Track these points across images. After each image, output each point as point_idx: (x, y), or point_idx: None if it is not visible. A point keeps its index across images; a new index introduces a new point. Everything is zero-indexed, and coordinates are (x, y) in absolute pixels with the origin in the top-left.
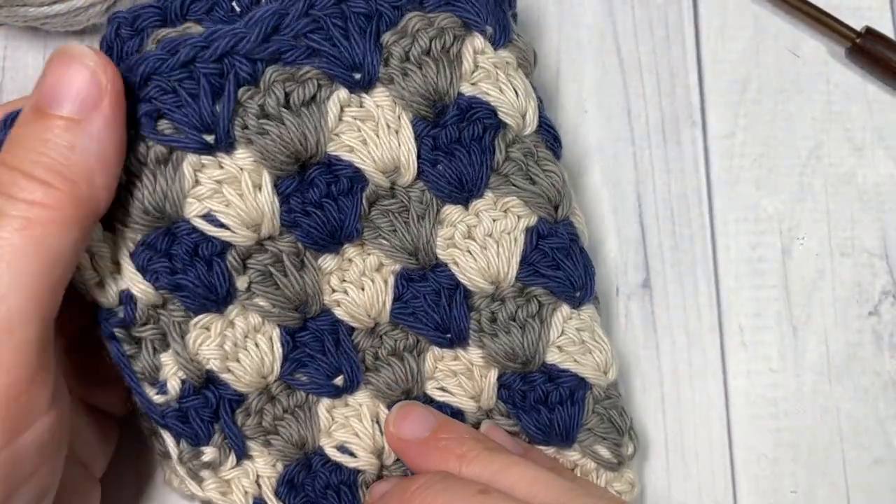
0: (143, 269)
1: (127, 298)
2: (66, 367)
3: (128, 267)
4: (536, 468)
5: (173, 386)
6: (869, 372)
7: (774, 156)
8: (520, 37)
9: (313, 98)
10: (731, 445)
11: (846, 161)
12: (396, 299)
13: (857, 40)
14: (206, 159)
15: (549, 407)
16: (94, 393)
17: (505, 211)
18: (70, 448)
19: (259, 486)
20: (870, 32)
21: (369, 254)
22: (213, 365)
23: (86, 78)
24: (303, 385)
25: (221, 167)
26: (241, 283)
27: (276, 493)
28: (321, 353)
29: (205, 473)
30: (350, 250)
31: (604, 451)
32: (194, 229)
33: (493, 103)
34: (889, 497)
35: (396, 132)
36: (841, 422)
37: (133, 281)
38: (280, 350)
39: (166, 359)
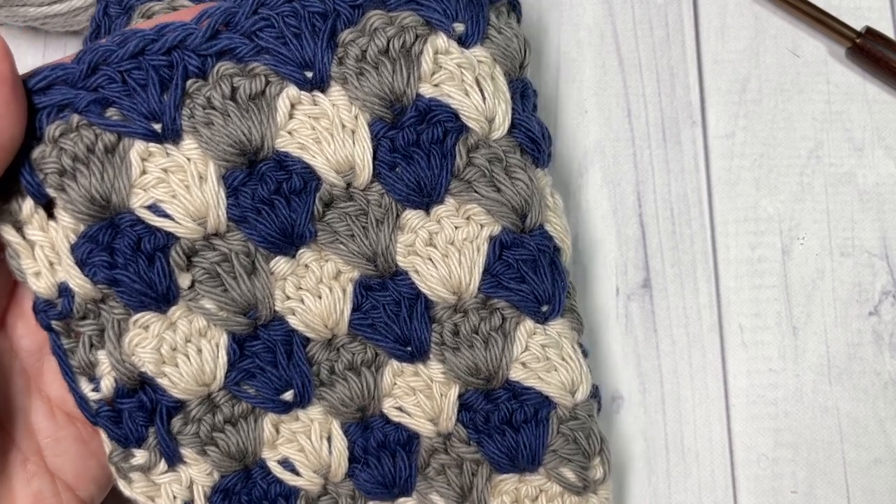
0: (82, 263)
1: (65, 291)
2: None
3: (66, 259)
4: None
5: (107, 385)
6: (869, 372)
7: (774, 156)
8: (502, 31)
9: (262, 93)
10: (731, 445)
11: (846, 161)
12: (355, 309)
13: (858, 40)
14: (153, 147)
15: (514, 427)
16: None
17: (467, 218)
18: None
19: (192, 491)
20: (870, 32)
21: (327, 260)
22: (148, 368)
23: None
24: (249, 398)
25: (168, 155)
26: (183, 280)
27: (209, 501)
28: (272, 364)
29: (134, 475)
30: (307, 256)
31: (569, 474)
32: (138, 221)
33: (454, 106)
34: (889, 497)
35: (353, 132)
36: (841, 422)
37: (71, 274)
38: (225, 358)
39: (102, 356)
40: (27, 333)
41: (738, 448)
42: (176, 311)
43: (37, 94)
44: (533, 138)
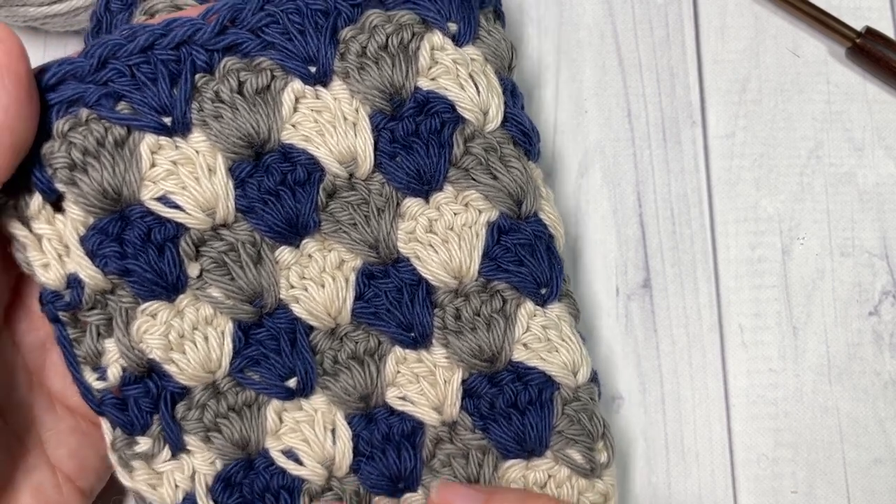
0: (92, 254)
1: (74, 282)
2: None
3: (76, 251)
4: None
5: (113, 373)
6: (869, 372)
7: (774, 156)
8: (492, 33)
9: (267, 87)
10: (731, 445)
11: (846, 161)
12: (358, 298)
13: (858, 40)
14: (163, 140)
15: (519, 410)
16: None
17: (466, 205)
18: None
19: (193, 481)
20: (870, 32)
21: (330, 250)
22: (156, 354)
23: None
24: (253, 384)
25: (177, 148)
26: (192, 269)
27: (211, 491)
28: (276, 352)
29: (136, 463)
30: (310, 245)
31: (576, 456)
32: (148, 212)
33: (450, 98)
34: (889, 497)
35: (354, 124)
36: (841, 422)
37: (81, 265)
38: (230, 345)
39: (110, 345)
40: (30, 329)
41: (738, 448)
42: (183, 300)
43: (47, 90)
44: (524, 131)
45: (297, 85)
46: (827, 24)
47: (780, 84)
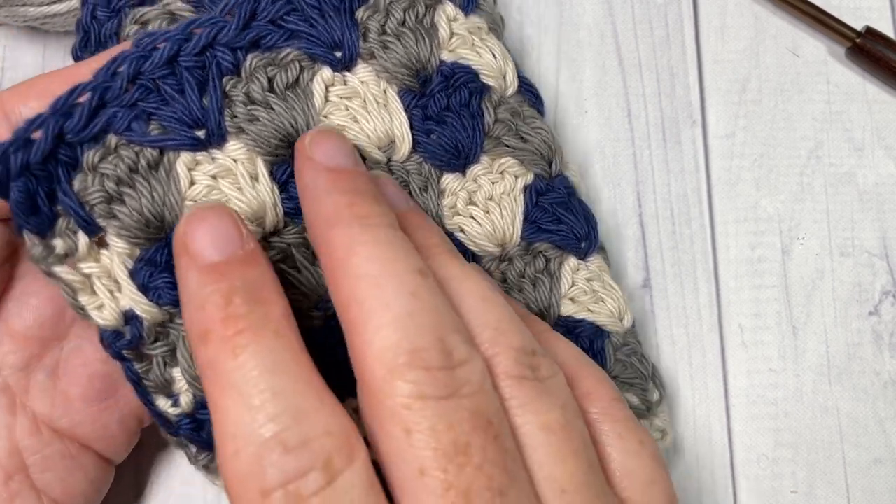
0: (144, 288)
1: (132, 318)
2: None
3: (128, 286)
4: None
5: (186, 401)
6: (869, 372)
7: (774, 156)
8: (486, 2)
9: (297, 81)
10: (731, 445)
11: (846, 161)
12: None
13: (858, 40)
14: (199, 156)
15: None
16: (90, 439)
17: (501, 173)
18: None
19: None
20: (870, 32)
21: None
22: None
23: None
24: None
25: (214, 160)
26: None
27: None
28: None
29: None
30: None
31: (632, 398)
32: None
33: (474, 67)
34: (889, 497)
35: (385, 106)
36: (841, 422)
37: (136, 301)
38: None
39: (177, 373)
40: (14, 349)
41: (737, 448)
42: None
43: (75, 126)
44: (534, 91)
45: (325, 73)
46: (827, 23)
47: (779, 84)
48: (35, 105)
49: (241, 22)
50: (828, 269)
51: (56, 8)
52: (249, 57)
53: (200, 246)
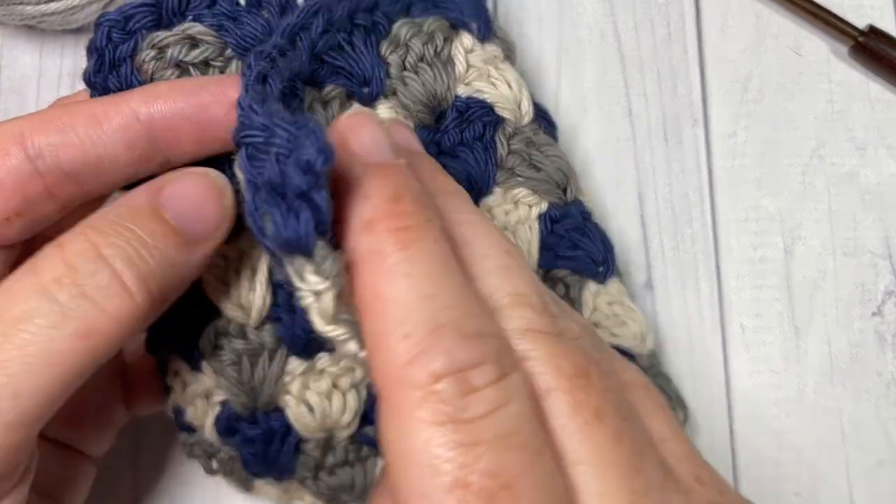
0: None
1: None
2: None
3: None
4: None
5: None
6: (871, 373)
7: (776, 155)
8: (499, 27)
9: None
10: (732, 447)
11: (848, 160)
12: None
13: (860, 39)
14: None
15: None
16: (70, 435)
17: (515, 203)
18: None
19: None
20: (872, 31)
21: None
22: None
23: (217, 208)
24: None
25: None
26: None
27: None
28: None
29: None
30: None
31: None
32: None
33: (489, 100)
34: (892, 499)
35: None
36: (843, 423)
37: None
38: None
39: None
40: None
41: (739, 449)
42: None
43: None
44: (548, 118)
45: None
46: (829, 22)
47: (781, 83)
48: (56, 140)
49: (307, 54)
50: (830, 269)
51: (52, 6)
52: (307, 89)
53: (365, 145)
